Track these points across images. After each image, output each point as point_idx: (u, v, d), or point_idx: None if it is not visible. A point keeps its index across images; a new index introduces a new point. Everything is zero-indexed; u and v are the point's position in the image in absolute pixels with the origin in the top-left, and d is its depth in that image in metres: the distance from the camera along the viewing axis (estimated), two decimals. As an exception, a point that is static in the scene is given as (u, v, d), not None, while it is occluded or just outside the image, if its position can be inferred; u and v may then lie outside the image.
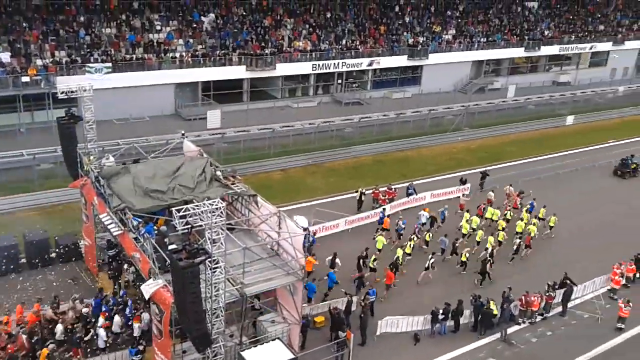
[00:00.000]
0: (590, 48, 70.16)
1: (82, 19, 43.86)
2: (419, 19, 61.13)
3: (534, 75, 67.22)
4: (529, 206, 33.67)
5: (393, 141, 45.49)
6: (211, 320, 17.73)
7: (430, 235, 29.96)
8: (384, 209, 32.69)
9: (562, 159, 45.22)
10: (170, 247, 17.29)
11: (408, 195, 34.90)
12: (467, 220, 31.21)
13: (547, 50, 65.96)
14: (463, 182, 37.14)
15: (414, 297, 26.17)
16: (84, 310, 21.62)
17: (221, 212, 16.21)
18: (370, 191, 34.35)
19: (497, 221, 31.88)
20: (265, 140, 41.22)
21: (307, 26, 53.69)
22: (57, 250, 26.55)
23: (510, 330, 24.56)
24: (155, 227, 20.39)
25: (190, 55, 45.50)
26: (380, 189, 34.34)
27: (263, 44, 49.43)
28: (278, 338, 20.14)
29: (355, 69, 54.48)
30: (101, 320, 21.03)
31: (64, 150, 25.63)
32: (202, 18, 49.12)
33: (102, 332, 20.66)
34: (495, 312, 24.07)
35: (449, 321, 24.09)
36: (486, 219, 32.59)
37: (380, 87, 56.84)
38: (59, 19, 43.24)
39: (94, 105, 24.63)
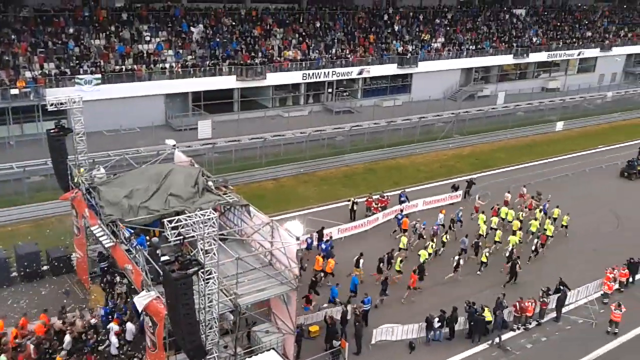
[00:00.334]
0: (578, 54, 70.89)
1: (71, 30, 43.76)
2: (408, 28, 61.46)
3: (523, 82, 67.67)
4: (542, 207, 34.43)
5: (384, 149, 45.56)
6: (205, 331, 17.58)
7: (447, 237, 30.43)
8: (401, 210, 33.47)
9: (552, 164, 45.47)
10: (162, 258, 17.18)
11: (400, 202, 34.95)
12: (484, 222, 31.74)
13: (535, 57, 66.55)
14: (455, 188, 37.36)
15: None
16: (92, 321, 21.61)
17: (213, 223, 16.11)
18: (364, 199, 34.41)
19: (511, 222, 32.43)
20: (257, 150, 41.15)
21: (297, 35, 53.81)
22: (48, 263, 26.33)
23: (505, 337, 24.55)
24: (147, 239, 20.27)
25: (180, 65, 45.47)
26: (374, 197, 34.42)
27: (253, 54, 49.48)
28: (273, 348, 20.03)
29: (346, 77, 54.74)
30: (115, 327, 20.97)
31: (54, 163, 25.42)
32: (192, 29, 49.13)
33: (114, 340, 20.67)
34: (489, 318, 24.08)
35: (444, 328, 24.04)
36: (502, 219, 33.07)
37: (370, 95, 57.03)
38: (48, 31, 43.13)
39: (84, 116, 24.55)
